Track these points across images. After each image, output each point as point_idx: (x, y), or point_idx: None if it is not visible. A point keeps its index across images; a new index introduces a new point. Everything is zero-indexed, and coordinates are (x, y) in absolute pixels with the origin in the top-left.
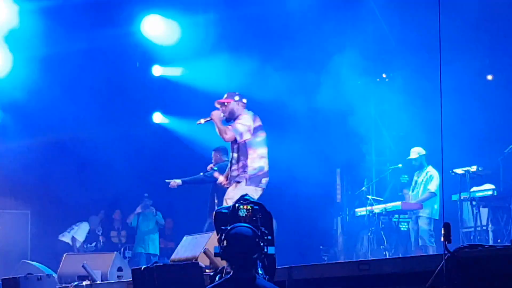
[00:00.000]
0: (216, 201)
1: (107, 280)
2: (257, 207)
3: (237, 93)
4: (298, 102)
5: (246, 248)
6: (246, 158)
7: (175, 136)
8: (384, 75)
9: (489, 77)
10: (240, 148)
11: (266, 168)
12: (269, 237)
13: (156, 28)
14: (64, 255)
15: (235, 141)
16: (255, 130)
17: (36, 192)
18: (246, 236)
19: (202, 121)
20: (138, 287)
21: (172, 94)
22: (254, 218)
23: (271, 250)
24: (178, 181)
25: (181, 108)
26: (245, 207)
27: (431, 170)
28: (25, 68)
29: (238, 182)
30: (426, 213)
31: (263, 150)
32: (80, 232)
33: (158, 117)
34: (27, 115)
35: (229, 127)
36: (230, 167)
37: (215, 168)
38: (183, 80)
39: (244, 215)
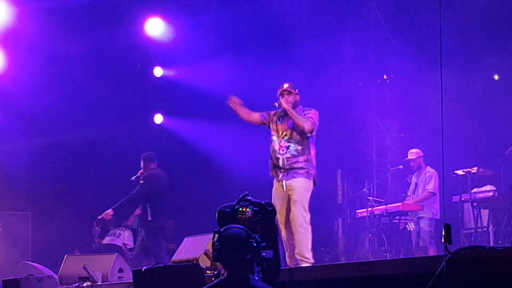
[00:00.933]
0: None
1: (108, 282)
2: (257, 208)
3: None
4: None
5: (238, 249)
6: (310, 153)
7: (176, 137)
8: (385, 76)
9: (496, 77)
10: (306, 141)
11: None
12: (264, 243)
13: (158, 29)
14: (65, 256)
15: (301, 132)
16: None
17: (37, 193)
18: (239, 237)
19: (276, 104)
20: None
21: (174, 95)
22: (254, 220)
23: (269, 253)
24: (109, 211)
25: (182, 109)
26: (244, 209)
27: (429, 170)
28: (26, 68)
29: (302, 175)
30: (426, 214)
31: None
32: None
33: (159, 119)
34: (28, 115)
35: (307, 118)
36: (286, 157)
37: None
38: (185, 81)
39: (243, 217)
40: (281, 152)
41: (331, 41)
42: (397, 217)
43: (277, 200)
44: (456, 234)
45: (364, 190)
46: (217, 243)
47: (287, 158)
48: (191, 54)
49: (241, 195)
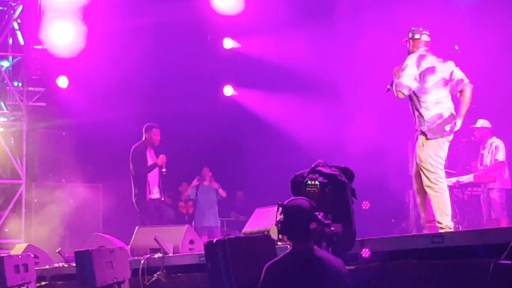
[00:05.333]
0: None
1: (179, 253)
2: (326, 180)
3: (412, 28)
4: (371, 76)
5: (302, 220)
6: (420, 107)
7: (246, 108)
8: (456, 47)
9: None
10: (411, 98)
11: (446, 114)
12: (329, 220)
13: (227, 1)
14: (136, 228)
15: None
16: (423, 75)
17: (108, 165)
18: (302, 208)
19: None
20: (210, 259)
21: (243, 67)
22: (323, 193)
23: (338, 227)
24: None
25: (252, 81)
26: (313, 182)
27: (495, 141)
28: (98, 42)
29: (417, 139)
30: (497, 185)
31: (438, 95)
32: None
33: (229, 90)
34: (99, 89)
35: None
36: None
37: None
38: (254, 53)
39: (312, 190)
40: None
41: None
42: (469, 189)
43: None
44: None
45: None
46: (281, 215)
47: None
48: (261, 26)
49: (313, 165)
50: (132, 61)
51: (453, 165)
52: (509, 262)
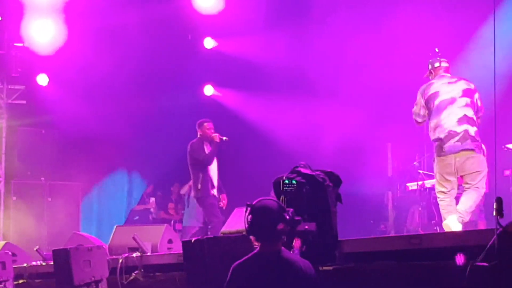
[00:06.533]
0: None
1: (157, 252)
2: (304, 180)
3: (430, 60)
4: (352, 75)
5: (269, 220)
6: (428, 131)
7: (226, 108)
8: (436, 49)
9: None
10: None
11: (442, 136)
12: (299, 217)
13: (209, 0)
14: (115, 226)
15: None
16: (427, 102)
17: (87, 163)
18: (270, 208)
19: None
20: (188, 259)
21: (224, 67)
22: (300, 192)
23: (312, 226)
24: None
25: (232, 80)
26: (289, 181)
27: None
28: (80, 40)
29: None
30: None
31: (435, 120)
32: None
33: (209, 90)
34: (78, 87)
35: None
36: None
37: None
38: (235, 52)
39: (289, 189)
40: None
41: (383, 10)
42: None
43: None
44: (507, 209)
45: (414, 163)
46: (249, 216)
47: None
48: (241, 26)
49: (294, 166)
50: (113, 59)
51: (432, 167)
52: (485, 264)
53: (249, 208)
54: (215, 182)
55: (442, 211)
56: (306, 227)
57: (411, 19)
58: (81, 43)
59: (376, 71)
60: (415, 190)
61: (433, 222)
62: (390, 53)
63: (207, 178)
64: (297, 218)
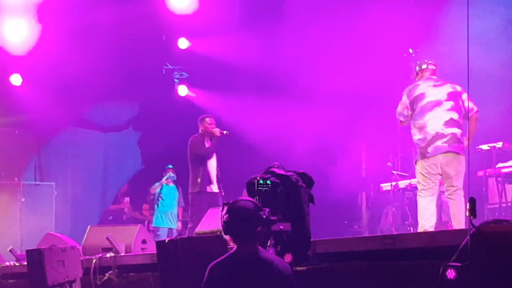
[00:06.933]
0: None
1: (131, 253)
2: (278, 180)
3: (418, 62)
4: (325, 76)
5: (246, 221)
6: (412, 135)
7: (200, 109)
8: (410, 50)
9: None
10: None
11: (428, 137)
12: (275, 217)
13: (183, 1)
14: (89, 227)
15: None
16: (412, 103)
17: (61, 164)
18: (246, 208)
19: None
20: (162, 259)
21: (198, 67)
22: (274, 193)
23: (287, 226)
24: None
25: (206, 80)
26: (263, 181)
27: None
28: (53, 39)
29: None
30: None
31: (421, 121)
32: None
33: (183, 90)
34: (52, 87)
35: None
36: None
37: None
38: (209, 53)
39: (263, 189)
40: None
41: (356, 11)
42: None
43: None
44: (480, 209)
45: (388, 164)
46: (226, 215)
47: None
48: (215, 26)
49: (268, 167)
50: (87, 59)
51: (405, 168)
52: (458, 264)
53: (225, 208)
54: (213, 178)
55: (419, 213)
56: (281, 227)
57: (384, 19)
58: (55, 43)
59: (349, 71)
60: (388, 190)
61: (406, 222)
62: (363, 53)
63: (205, 173)
64: (272, 218)
